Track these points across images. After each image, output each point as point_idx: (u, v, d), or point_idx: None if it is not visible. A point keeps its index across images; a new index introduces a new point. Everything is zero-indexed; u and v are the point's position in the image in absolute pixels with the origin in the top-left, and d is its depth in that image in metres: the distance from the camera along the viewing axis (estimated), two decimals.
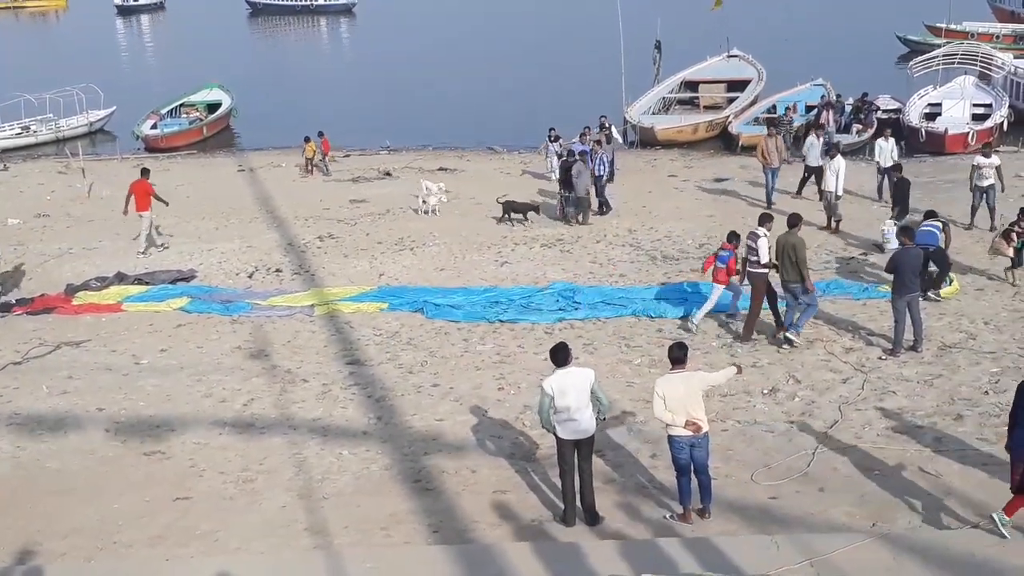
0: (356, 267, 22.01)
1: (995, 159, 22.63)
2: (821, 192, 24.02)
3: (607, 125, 29.67)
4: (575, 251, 22.53)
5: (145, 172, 24.35)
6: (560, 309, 18.43)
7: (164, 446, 13.80)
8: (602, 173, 25.65)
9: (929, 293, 17.73)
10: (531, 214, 24.91)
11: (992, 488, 11.41)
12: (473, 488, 12.24)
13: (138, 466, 13.30)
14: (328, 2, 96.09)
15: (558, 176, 26.24)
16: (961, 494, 11.39)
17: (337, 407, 14.88)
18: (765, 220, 16.88)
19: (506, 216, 24.98)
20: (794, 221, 16.54)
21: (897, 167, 23.31)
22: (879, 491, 11.61)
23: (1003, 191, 22.64)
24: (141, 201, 23.31)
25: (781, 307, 16.82)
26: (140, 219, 23.48)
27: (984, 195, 22.40)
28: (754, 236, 16.54)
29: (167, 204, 24.42)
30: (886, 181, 24.73)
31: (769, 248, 16.33)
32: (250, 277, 21.67)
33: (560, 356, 11.00)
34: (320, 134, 32.81)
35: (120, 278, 21.43)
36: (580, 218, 24.67)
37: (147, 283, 21.19)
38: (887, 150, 24.90)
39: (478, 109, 44.92)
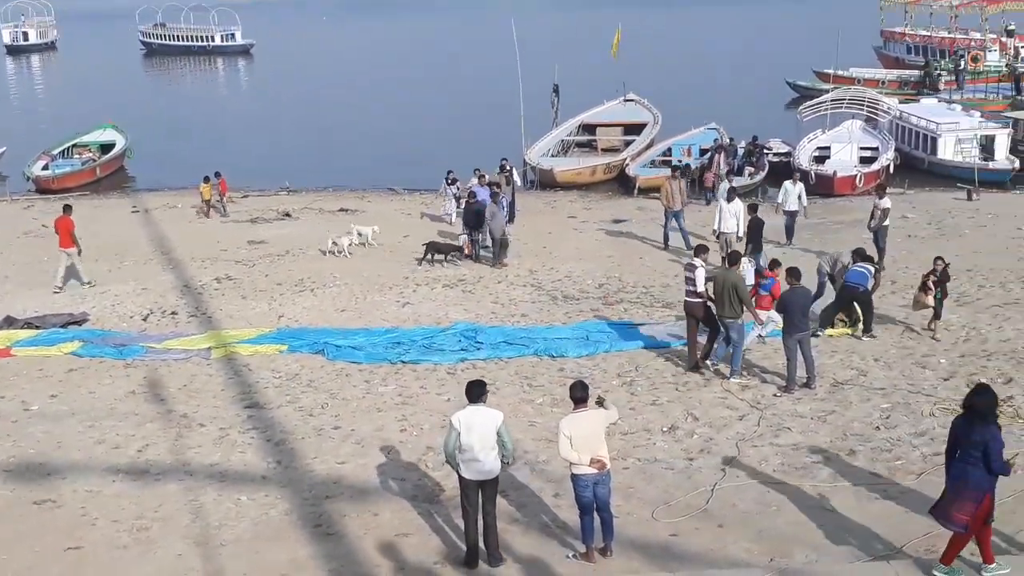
0: (255, 309, 21.72)
1: (887, 201, 23.43)
2: (717, 233, 24.29)
3: (508, 167, 29.93)
4: (477, 291, 22.60)
5: (67, 208, 24.28)
6: (462, 349, 18.43)
7: (55, 494, 13.35)
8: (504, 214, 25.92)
9: (855, 335, 18.24)
10: (453, 255, 25.02)
11: (886, 521, 11.70)
12: (375, 532, 12.10)
13: (28, 515, 12.84)
14: (225, 43, 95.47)
15: (460, 218, 26.38)
16: (856, 528, 11.62)
17: (235, 451, 14.60)
18: (701, 251, 17.41)
19: (428, 257, 24.99)
20: (734, 259, 17.12)
21: (753, 207, 23.66)
22: (776, 526, 11.80)
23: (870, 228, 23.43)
24: (64, 238, 23.36)
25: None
26: (61, 256, 23.41)
27: (876, 235, 23.15)
28: (691, 267, 17.01)
29: (80, 252, 23.83)
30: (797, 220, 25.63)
31: (705, 280, 16.81)
32: (145, 320, 21.21)
33: (473, 392, 11.01)
34: (217, 174, 32.42)
35: (9, 322, 20.79)
36: (497, 259, 24.57)
37: (37, 327, 20.57)
38: (794, 193, 25.42)
39: (378, 150, 44.93)
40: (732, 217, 23.48)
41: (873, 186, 30.04)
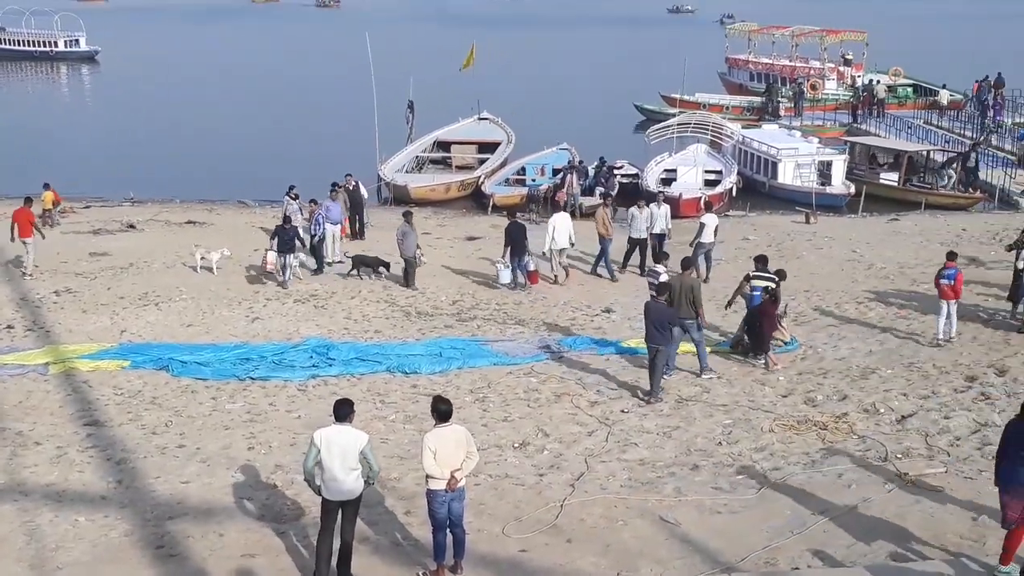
0: (96, 323, 21.00)
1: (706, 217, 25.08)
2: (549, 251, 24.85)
3: (353, 182, 29.67)
4: (329, 307, 22.37)
5: (28, 200, 26.01)
6: (314, 366, 18.22)
7: None
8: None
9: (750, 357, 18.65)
10: (381, 269, 24.75)
11: (728, 535, 12.07)
12: (220, 553, 11.84)
13: None
14: (69, 49, 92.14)
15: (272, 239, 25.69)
16: (699, 541, 11.95)
17: (73, 471, 14.08)
18: (663, 258, 18.75)
19: (354, 270, 24.73)
20: (687, 264, 18.37)
21: (512, 212, 25.24)
22: (623, 540, 12.04)
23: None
24: (24, 228, 24.70)
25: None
26: (24, 245, 24.74)
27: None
28: (654, 273, 18.29)
29: (44, 237, 25.46)
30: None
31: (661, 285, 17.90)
32: None
33: (339, 411, 10.89)
34: (46, 185, 31.11)
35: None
36: (406, 280, 24.08)
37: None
38: (660, 216, 25.57)
39: (228, 162, 44.14)
40: (565, 232, 24.24)
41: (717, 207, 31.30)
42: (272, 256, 24.00)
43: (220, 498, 13.26)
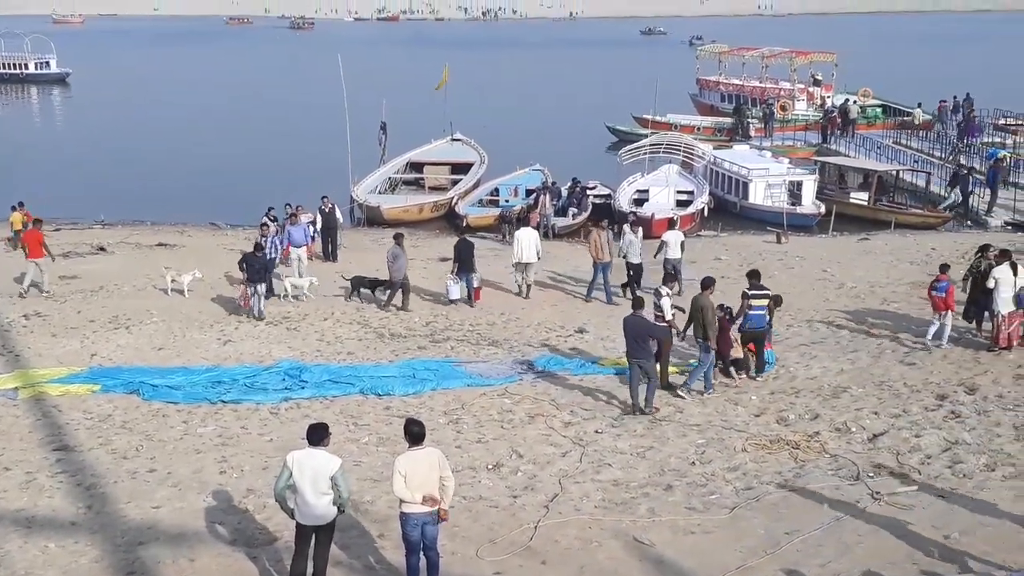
0: (65, 347, 20.82)
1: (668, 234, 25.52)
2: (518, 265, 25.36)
3: (328, 204, 29.64)
4: (302, 329, 22.30)
5: (38, 222, 26.06)
6: (286, 388, 18.13)
7: None
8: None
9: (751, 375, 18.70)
10: (380, 288, 24.65)
11: (701, 555, 12.08)
12: None
13: None
14: (39, 71, 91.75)
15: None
16: (673, 562, 11.95)
17: (43, 496, 13.93)
18: (668, 280, 18.94)
19: (355, 292, 24.70)
20: (707, 284, 18.07)
21: (460, 229, 25.96)
22: (597, 561, 12.02)
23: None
24: (33, 249, 24.99)
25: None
26: (30, 264, 24.98)
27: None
28: (658, 294, 18.39)
29: (53, 259, 25.59)
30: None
31: (673, 305, 18.34)
32: None
33: (313, 435, 10.84)
34: (14, 207, 30.84)
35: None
36: (400, 303, 23.98)
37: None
38: (636, 244, 25.31)
39: (201, 184, 43.99)
40: (532, 247, 24.91)
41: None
42: (249, 291, 23.10)
43: (191, 523, 13.15)
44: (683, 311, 18.78)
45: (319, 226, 29.32)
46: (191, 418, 16.94)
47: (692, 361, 18.80)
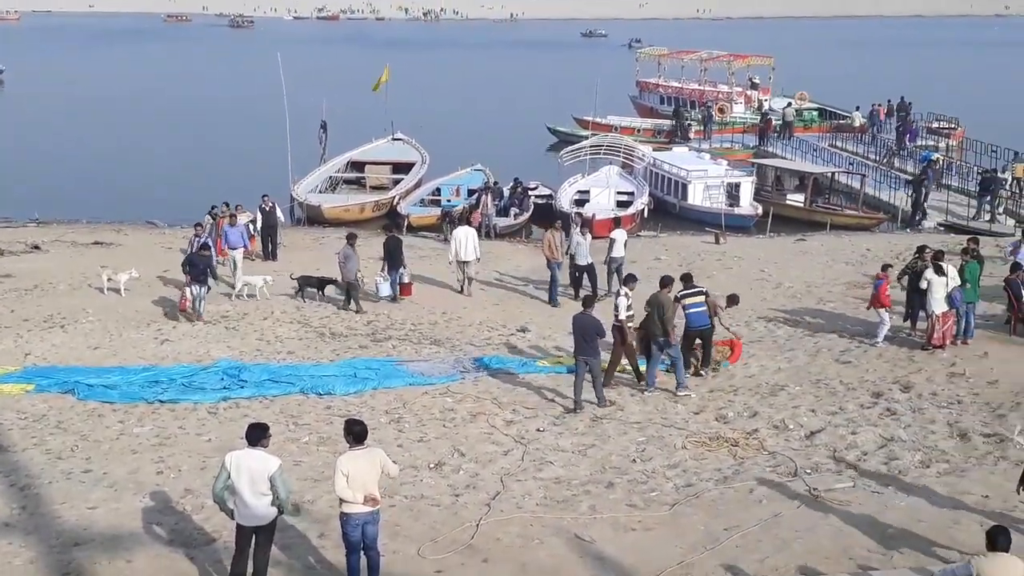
0: None
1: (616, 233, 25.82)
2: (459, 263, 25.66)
3: (269, 203, 29.36)
4: (241, 328, 22.08)
5: None
6: (225, 388, 17.94)
7: None
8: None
9: (699, 372, 18.86)
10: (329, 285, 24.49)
11: (641, 552, 12.16)
12: None
13: None
14: None
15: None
16: (614, 559, 12.01)
17: None
18: (630, 280, 19.04)
19: (300, 292, 24.44)
20: (666, 282, 18.24)
21: (388, 226, 26.50)
22: (539, 559, 12.05)
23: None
24: None
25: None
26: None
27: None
28: (616, 294, 18.51)
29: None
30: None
31: (629, 306, 18.19)
32: None
33: (252, 435, 10.73)
34: None
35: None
36: (353, 305, 23.75)
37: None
38: (584, 245, 25.04)
39: (138, 182, 43.38)
40: (470, 243, 25.21)
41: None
42: (189, 293, 22.42)
43: (128, 524, 12.96)
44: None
45: (259, 225, 29.07)
46: (127, 418, 16.70)
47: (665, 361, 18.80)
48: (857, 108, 54.45)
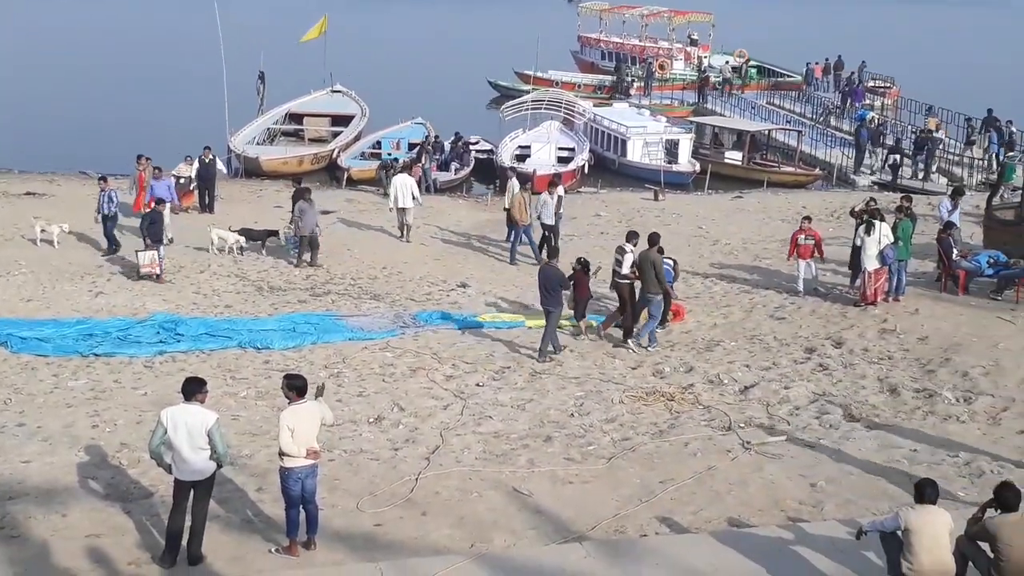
0: None
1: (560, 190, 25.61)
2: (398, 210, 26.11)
3: (210, 155, 28.96)
4: (177, 281, 21.83)
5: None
6: (161, 342, 17.77)
7: None
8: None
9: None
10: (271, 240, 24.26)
11: (578, 504, 12.32)
12: (64, 533, 11.47)
13: None
14: None
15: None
16: (551, 512, 12.15)
17: None
18: (632, 237, 18.87)
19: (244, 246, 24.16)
20: (654, 240, 18.41)
21: (297, 180, 26.35)
22: (477, 512, 12.16)
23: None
24: None
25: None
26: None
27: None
28: (621, 251, 18.44)
29: None
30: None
31: (633, 263, 18.31)
32: None
33: (188, 389, 10.68)
34: None
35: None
36: (309, 258, 23.45)
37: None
38: (551, 205, 24.59)
39: (71, 132, 42.39)
40: (406, 191, 25.78)
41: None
42: (149, 255, 21.69)
43: (63, 478, 12.85)
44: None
45: (194, 176, 28.66)
46: (61, 371, 16.50)
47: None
48: (811, 63, 54.84)
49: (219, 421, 10.68)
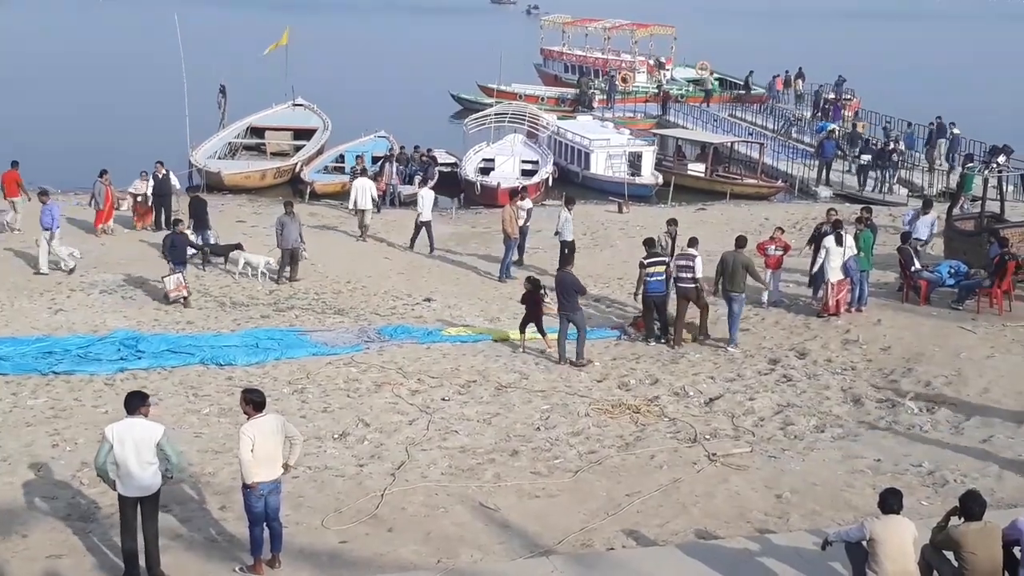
0: None
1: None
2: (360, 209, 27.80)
3: (164, 170, 28.60)
4: (138, 298, 21.62)
5: (15, 164, 28.25)
6: (122, 359, 17.55)
7: None
8: None
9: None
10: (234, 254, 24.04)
11: (545, 518, 12.29)
12: (24, 554, 11.29)
13: None
14: None
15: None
16: (518, 527, 12.11)
17: None
18: (694, 243, 19.58)
19: (206, 258, 23.99)
20: (742, 242, 19.32)
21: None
22: (443, 528, 12.09)
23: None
24: (9, 188, 27.47)
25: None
26: (10, 204, 27.03)
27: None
28: (689, 256, 19.08)
29: (29, 199, 26.94)
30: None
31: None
32: None
33: (130, 404, 10.56)
34: None
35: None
36: (288, 273, 23.35)
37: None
38: (571, 221, 24.58)
39: (28, 146, 41.87)
40: (365, 192, 27.68)
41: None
42: (175, 279, 21.28)
43: (22, 498, 12.65)
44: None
45: (150, 192, 28.40)
46: (20, 390, 16.26)
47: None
48: (784, 74, 55.41)
49: (166, 431, 10.60)
